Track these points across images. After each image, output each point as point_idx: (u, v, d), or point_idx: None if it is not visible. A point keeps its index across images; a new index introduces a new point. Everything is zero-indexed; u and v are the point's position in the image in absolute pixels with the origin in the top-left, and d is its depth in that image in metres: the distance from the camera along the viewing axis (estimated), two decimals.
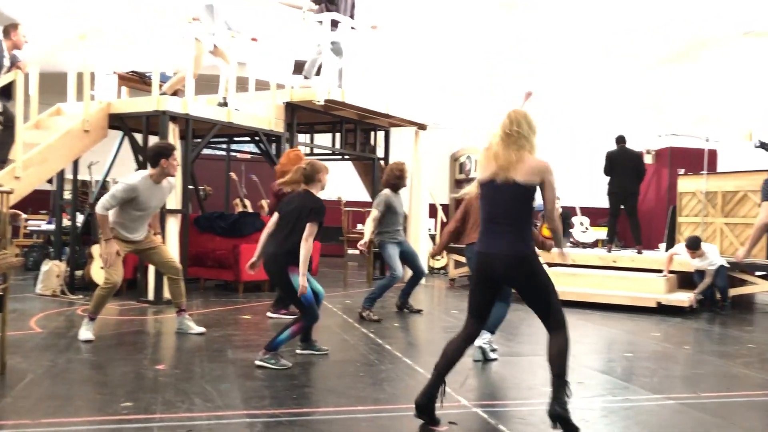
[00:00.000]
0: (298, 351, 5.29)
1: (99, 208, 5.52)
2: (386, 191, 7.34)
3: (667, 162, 13.70)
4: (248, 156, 13.72)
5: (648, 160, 14.08)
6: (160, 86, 8.25)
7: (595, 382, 4.78)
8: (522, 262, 3.59)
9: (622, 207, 9.85)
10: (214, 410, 3.77)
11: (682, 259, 8.53)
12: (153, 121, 8.02)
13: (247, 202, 12.22)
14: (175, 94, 8.69)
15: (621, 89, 12.03)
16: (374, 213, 7.27)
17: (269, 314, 7.08)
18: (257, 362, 4.83)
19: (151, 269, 7.66)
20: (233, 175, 12.15)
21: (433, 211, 13.30)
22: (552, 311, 3.65)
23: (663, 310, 8.06)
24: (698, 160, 10.81)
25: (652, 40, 9.95)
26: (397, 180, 7.36)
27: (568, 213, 12.48)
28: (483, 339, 5.24)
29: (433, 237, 13.33)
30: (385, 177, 7.50)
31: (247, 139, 10.19)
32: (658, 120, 13.30)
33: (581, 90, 12.24)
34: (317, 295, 5.09)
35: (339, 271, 10.84)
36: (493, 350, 5.37)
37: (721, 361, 5.54)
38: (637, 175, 9.81)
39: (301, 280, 4.79)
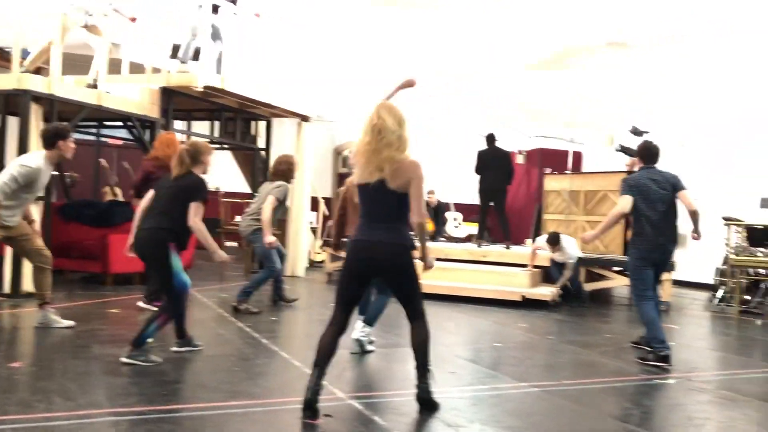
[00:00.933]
0: (173, 349, 5.06)
1: None
2: (284, 182, 7.27)
3: (537, 162, 14.40)
4: (120, 142, 13.05)
5: (519, 160, 14.74)
6: (21, 63, 7.67)
7: (465, 371, 4.96)
8: (403, 253, 3.73)
9: (492, 204, 10.16)
10: (76, 409, 3.56)
11: (545, 254, 8.96)
12: (13, 101, 7.43)
13: (118, 191, 11.63)
14: (38, 72, 8.10)
15: (495, 91, 12.51)
16: (274, 201, 7.00)
17: (141, 304, 6.78)
18: (124, 359, 4.59)
19: (8, 259, 7.12)
20: (103, 161, 11.52)
21: (315, 205, 13.26)
22: (417, 301, 3.86)
23: (528, 304, 8.41)
24: (565, 161, 11.45)
25: (523, 46, 10.42)
26: (287, 172, 7.34)
27: (442, 207, 12.79)
28: (361, 332, 5.30)
29: (314, 230, 13.29)
30: (274, 169, 7.44)
31: (120, 124, 9.69)
32: (529, 122, 13.95)
33: (457, 90, 12.62)
34: (184, 286, 4.85)
35: (214, 264, 10.55)
36: (371, 342, 5.43)
37: (582, 350, 5.91)
38: (506, 174, 10.11)
39: (217, 256, 4.88)
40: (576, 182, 10.61)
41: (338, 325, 3.84)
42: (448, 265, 9.28)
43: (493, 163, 10.01)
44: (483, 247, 10.08)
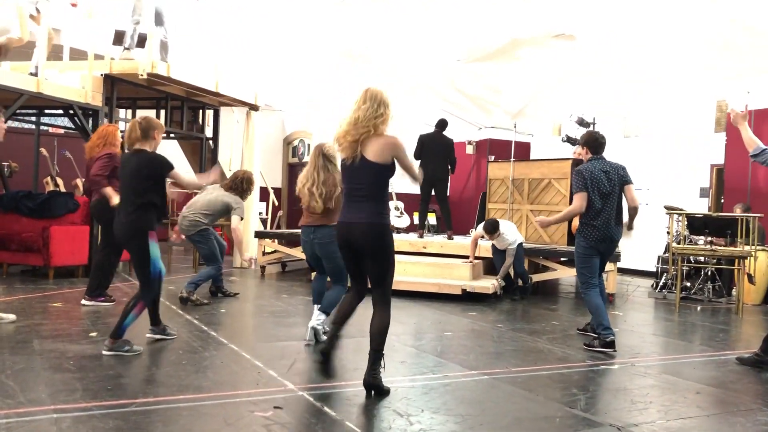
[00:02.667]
0: (148, 335, 5.15)
1: None
2: (240, 199, 7.31)
3: (486, 153, 14.56)
4: (62, 131, 12.65)
5: (469, 150, 14.89)
6: None
7: (416, 360, 4.98)
8: (376, 231, 3.92)
9: (433, 193, 9.74)
10: (16, 407, 3.44)
11: (487, 243, 8.63)
12: None
13: (60, 181, 11.29)
14: None
15: (445, 81, 12.57)
16: (239, 219, 7.19)
17: (84, 302, 6.61)
18: (105, 352, 4.62)
19: None
20: (43, 150, 11.15)
21: (264, 195, 13.12)
22: (385, 285, 3.99)
23: (471, 297, 8.08)
24: (513, 151, 11.53)
25: (471, 37, 10.46)
26: (246, 191, 7.41)
27: None
28: (317, 320, 5.35)
29: (264, 221, 13.16)
30: (233, 183, 7.38)
31: (60, 112, 9.38)
32: (478, 113, 14.07)
33: (403, 79, 12.62)
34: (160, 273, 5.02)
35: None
36: (326, 332, 5.43)
37: (530, 338, 6.01)
38: (448, 162, 9.67)
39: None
40: (520, 170, 10.39)
41: (355, 292, 4.16)
42: None
43: (435, 150, 9.53)
44: (425, 237, 9.83)
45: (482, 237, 8.50)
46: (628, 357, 5.38)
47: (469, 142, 14.92)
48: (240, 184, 7.34)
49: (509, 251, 8.38)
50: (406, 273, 8.53)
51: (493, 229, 8.21)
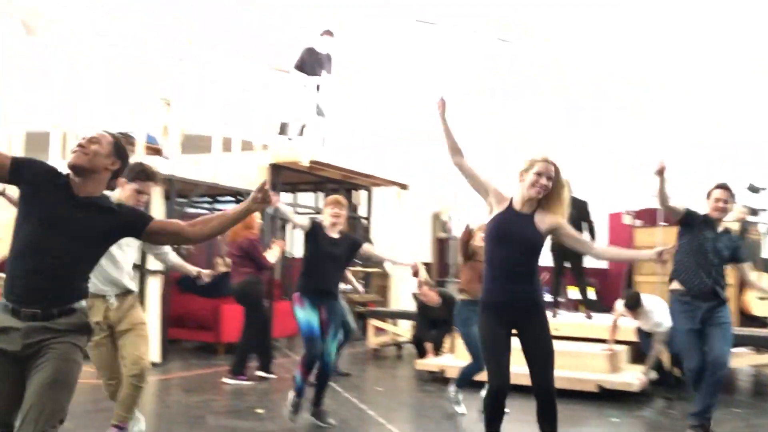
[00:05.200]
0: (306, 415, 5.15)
1: None
2: None
3: (647, 221, 13.84)
4: None
5: (626, 220, 14.23)
6: (149, 148, 8.37)
7: None
8: None
9: (568, 264, 8.39)
10: None
11: (630, 324, 6.98)
12: None
13: (229, 261, 12.12)
14: (158, 153, 8.72)
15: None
16: None
17: (225, 379, 6.77)
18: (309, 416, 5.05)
19: None
20: None
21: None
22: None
23: (611, 395, 6.37)
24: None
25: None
26: None
27: None
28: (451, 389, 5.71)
29: (415, 296, 13.26)
30: None
31: (231, 198, 10.22)
32: (634, 180, 13.56)
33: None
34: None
35: None
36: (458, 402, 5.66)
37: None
38: (583, 227, 8.15)
39: None
40: (671, 236, 8.64)
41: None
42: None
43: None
44: (556, 317, 8.20)
45: (623, 315, 6.93)
46: None
47: (627, 212, 14.29)
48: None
49: (657, 336, 6.64)
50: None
51: (634, 303, 6.65)
